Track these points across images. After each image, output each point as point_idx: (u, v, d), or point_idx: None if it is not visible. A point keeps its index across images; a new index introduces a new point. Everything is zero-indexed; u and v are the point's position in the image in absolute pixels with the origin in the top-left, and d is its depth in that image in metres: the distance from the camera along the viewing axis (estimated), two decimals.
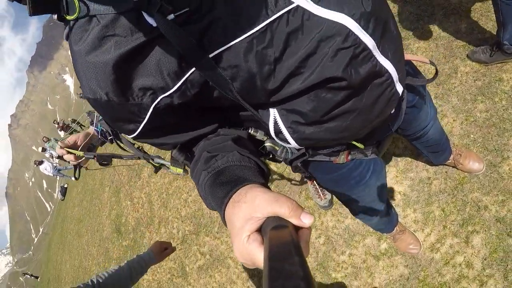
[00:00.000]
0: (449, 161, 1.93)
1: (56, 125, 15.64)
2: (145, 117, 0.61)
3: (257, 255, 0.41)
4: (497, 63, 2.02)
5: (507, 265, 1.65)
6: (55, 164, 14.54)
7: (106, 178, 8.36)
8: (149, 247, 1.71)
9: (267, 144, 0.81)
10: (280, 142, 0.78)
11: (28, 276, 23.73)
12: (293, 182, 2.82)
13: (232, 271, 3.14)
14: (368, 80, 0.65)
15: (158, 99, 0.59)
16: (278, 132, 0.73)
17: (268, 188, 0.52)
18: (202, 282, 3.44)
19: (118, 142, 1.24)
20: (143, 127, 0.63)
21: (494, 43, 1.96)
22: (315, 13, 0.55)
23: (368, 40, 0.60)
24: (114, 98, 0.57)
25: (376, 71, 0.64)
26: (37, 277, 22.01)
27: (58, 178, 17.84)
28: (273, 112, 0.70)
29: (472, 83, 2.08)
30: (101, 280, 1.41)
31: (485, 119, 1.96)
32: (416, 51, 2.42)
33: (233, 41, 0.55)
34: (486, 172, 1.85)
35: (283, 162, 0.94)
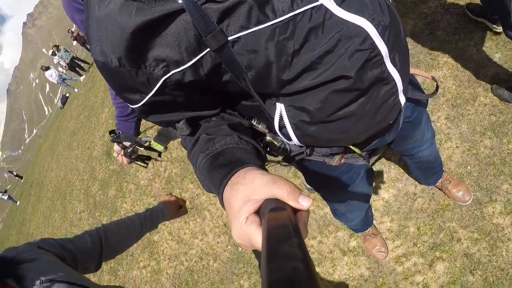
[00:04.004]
0: (437, 184, 1.96)
1: (70, 34, 15.34)
2: (152, 89, 0.61)
3: (255, 237, 0.42)
4: (469, 84, 2.03)
5: None
6: (60, 73, 14.49)
7: (108, 99, 8.26)
8: (162, 201, 1.54)
9: (267, 137, 0.82)
10: (281, 137, 0.80)
11: (13, 175, 24.17)
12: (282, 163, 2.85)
13: (206, 223, 3.27)
14: (375, 85, 0.67)
15: (170, 73, 0.58)
16: (281, 127, 0.74)
17: (266, 170, 0.53)
18: (176, 226, 3.58)
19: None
20: (148, 99, 0.63)
21: None
22: (336, 13, 0.57)
23: (382, 47, 0.63)
24: (125, 64, 0.56)
25: (384, 78, 0.67)
26: (21, 178, 22.54)
27: (61, 86, 17.81)
28: (280, 107, 0.70)
29: (486, 116, 2.05)
30: (109, 234, 1.26)
31: (487, 156, 1.95)
32: (443, 66, 2.36)
33: (256, 27, 0.55)
34: (470, 207, 1.88)
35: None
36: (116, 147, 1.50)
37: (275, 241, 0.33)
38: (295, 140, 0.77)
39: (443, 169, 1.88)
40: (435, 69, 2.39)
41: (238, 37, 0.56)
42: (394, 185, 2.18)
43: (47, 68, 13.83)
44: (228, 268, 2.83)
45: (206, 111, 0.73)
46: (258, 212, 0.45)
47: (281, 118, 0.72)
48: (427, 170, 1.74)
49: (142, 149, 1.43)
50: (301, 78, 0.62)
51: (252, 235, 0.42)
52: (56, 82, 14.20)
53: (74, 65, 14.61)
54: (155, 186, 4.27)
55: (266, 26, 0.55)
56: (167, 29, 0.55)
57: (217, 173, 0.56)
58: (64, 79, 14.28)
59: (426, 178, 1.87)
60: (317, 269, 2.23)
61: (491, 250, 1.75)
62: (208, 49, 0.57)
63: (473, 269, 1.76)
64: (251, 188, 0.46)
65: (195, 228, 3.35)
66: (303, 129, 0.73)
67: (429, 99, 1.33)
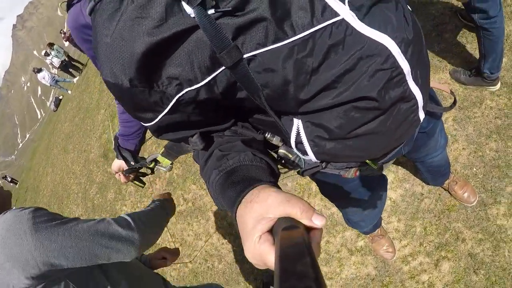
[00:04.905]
0: (443, 184, 1.99)
1: (62, 35, 15.18)
2: (166, 108, 0.59)
3: (268, 256, 0.42)
4: (475, 88, 2.17)
5: None
6: (53, 75, 14.31)
7: (103, 100, 8.17)
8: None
9: (281, 150, 0.81)
10: (296, 152, 0.79)
11: (7, 180, 23.63)
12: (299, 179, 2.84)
13: (210, 224, 3.26)
14: (396, 104, 0.66)
15: (183, 91, 0.57)
16: (298, 142, 0.73)
17: (280, 188, 0.53)
18: (179, 227, 3.57)
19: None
20: (162, 117, 0.61)
21: (474, 67, 2.11)
22: (358, 29, 0.55)
23: (405, 65, 0.61)
24: (138, 85, 0.55)
25: (405, 96, 0.66)
26: (16, 182, 22.11)
27: (54, 88, 17.61)
28: (297, 123, 0.69)
29: (492, 119, 2.08)
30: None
31: (492, 158, 1.98)
32: (450, 68, 2.37)
33: (274, 44, 0.53)
34: (475, 208, 1.91)
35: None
36: (114, 165, 1.44)
37: (288, 260, 0.33)
38: (312, 157, 0.75)
39: (450, 170, 1.90)
40: (442, 71, 2.41)
41: (254, 55, 0.54)
42: (402, 185, 2.20)
43: (39, 70, 13.60)
44: (234, 269, 2.82)
45: (219, 127, 0.72)
46: (271, 230, 0.44)
47: (298, 134, 0.70)
48: (436, 173, 1.76)
49: (148, 170, 1.38)
50: (319, 97, 0.60)
51: (265, 253, 0.42)
52: (49, 84, 14.01)
53: (68, 66, 14.44)
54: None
55: (284, 44, 0.53)
56: (179, 47, 0.53)
57: (230, 190, 0.56)
58: (57, 81, 14.07)
59: (434, 180, 1.90)
60: (324, 269, 2.24)
61: (494, 251, 1.79)
62: (222, 68, 0.55)
63: (477, 269, 1.79)
64: (264, 206, 0.45)
65: (198, 230, 3.34)
66: (321, 145, 0.71)
67: None
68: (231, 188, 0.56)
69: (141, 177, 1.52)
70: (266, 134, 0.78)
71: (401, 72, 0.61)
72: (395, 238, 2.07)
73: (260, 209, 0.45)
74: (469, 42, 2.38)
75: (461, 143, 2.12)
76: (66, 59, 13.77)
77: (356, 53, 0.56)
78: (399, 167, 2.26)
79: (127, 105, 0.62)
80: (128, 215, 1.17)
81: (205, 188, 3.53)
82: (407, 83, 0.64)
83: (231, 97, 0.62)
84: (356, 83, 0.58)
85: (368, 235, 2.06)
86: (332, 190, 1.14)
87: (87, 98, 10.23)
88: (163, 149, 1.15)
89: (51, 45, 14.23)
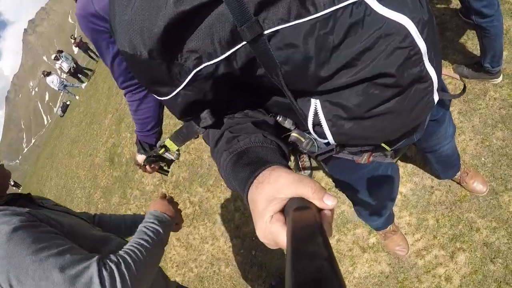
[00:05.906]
0: (455, 176, 1.98)
1: (73, 41, 15.41)
2: (183, 81, 0.59)
3: (280, 236, 0.42)
4: (478, 81, 2.25)
5: None
6: (62, 79, 14.55)
7: (111, 105, 8.25)
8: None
9: (294, 134, 0.80)
10: (313, 135, 0.78)
11: (10, 184, 23.56)
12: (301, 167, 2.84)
13: (217, 227, 3.20)
14: (413, 83, 0.66)
15: (202, 65, 0.57)
16: (316, 124, 0.73)
17: (290, 169, 0.53)
18: (184, 231, 3.49)
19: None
20: (178, 92, 0.61)
21: (476, 62, 2.21)
22: (376, 10, 0.56)
23: (422, 45, 0.62)
24: (156, 57, 0.55)
25: (422, 76, 0.66)
26: (19, 186, 22.22)
27: (62, 94, 17.85)
28: (315, 103, 0.69)
29: (496, 110, 2.12)
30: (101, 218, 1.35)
31: (500, 147, 2.00)
32: (453, 64, 2.42)
33: (296, 20, 0.53)
34: (486, 197, 1.91)
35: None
36: (137, 158, 1.49)
37: (300, 240, 0.33)
38: (330, 138, 0.74)
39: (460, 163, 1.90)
40: (445, 67, 2.44)
41: (277, 31, 0.54)
42: (411, 179, 2.19)
43: (49, 74, 13.87)
44: (241, 273, 2.75)
45: (233, 108, 0.72)
46: (283, 211, 0.45)
47: (316, 114, 0.70)
48: (446, 164, 1.76)
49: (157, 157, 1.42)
50: (339, 75, 0.61)
51: (277, 233, 0.43)
52: (57, 89, 14.27)
53: (76, 71, 14.66)
54: (161, 192, 4.22)
55: (307, 20, 0.54)
56: (201, 21, 0.53)
57: (242, 172, 0.56)
58: (65, 85, 14.34)
59: (445, 172, 1.88)
60: None
61: (510, 238, 1.76)
62: (243, 43, 0.56)
63: (494, 258, 1.76)
64: (276, 186, 0.46)
65: (205, 233, 3.27)
66: (339, 125, 0.71)
67: None
68: (242, 169, 0.56)
69: (164, 168, 1.58)
70: (278, 117, 0.77)
71: (419, 52, 0.62)
72: (408, 232, 2.03)
73: (272, 190, 0.46)
74: (470, 38, 2.44)
75: (468, 134, 2.15)
76: (74, 65, 14.00)
77: (375, 32, 0.57)
78: (407, 161, 2.26)
79: (143, 78, 0.62)
80: (117, 266, 0.91)
81: (211, 191, 3.51)
82: (424, 63, 0.64)
83: (249, 73, 0.62)
84: (375, 61, 0.59)
85: (381, 232, 2.02)
86: (345, 178, 1.14)
87: (95, 103, 10.32)
88: (174, 133, 1.16)
89: (60, 52, 14.48)
